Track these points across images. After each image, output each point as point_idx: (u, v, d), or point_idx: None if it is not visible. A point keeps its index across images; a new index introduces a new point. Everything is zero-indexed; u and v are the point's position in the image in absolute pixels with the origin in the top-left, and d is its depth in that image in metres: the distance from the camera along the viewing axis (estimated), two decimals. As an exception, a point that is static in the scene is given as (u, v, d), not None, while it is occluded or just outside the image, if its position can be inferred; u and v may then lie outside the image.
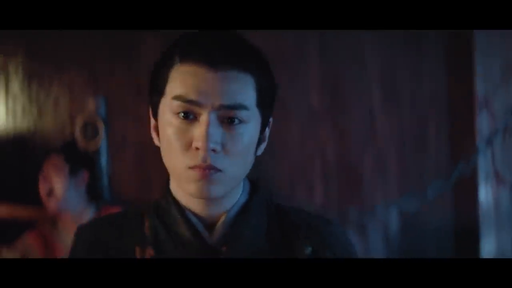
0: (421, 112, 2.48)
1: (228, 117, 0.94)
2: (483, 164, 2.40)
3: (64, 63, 2.73)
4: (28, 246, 2.23)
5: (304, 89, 2.52)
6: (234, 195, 1.02)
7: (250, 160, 1.00)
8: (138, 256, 1.00)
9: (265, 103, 0.99)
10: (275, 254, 1.00)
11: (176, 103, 0.94)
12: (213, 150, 0.93)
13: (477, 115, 2.39)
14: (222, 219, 1.00)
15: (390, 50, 2.49)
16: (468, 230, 2.39)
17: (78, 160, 2.29)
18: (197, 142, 0.93)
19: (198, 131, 0.93)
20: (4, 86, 2.81)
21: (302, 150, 2.51)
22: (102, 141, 2.61)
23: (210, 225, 1.00)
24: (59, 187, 2.21)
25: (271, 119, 1.04)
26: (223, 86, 0.93)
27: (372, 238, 2.42)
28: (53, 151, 2.29)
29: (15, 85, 2.80)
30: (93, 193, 2.30)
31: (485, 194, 2.40)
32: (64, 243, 2.14)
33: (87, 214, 2.22)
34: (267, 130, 1.04)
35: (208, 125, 0.93)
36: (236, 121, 0.95)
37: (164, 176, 1.05)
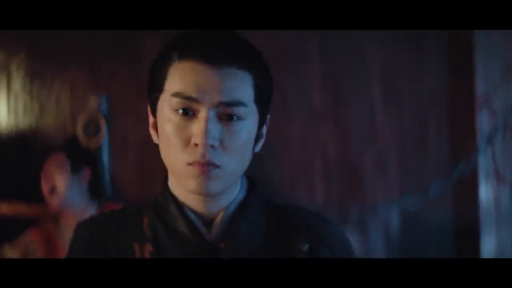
0: (421, 111, 2.49)
1: (226, 114, 0.95)
2: (484, 162, 2.40)
3: (65, 61, 2.74)
4: (30, 243, 2.23)
5: (305, 89, 2.53)
6: (232, 192, 1.02)
7: (248, 156, 1.00)
8: (137, 252, 1.00)
9: (263, 100, 1.00)
10: (272, 250, 1.01)
11: (175, 100, 0.95)
12: (212, 146, 0.94)
13: (478, 114, 2.40)
14: (220, 215, 1.01)
15: (390, 50, 2.49)
16: (468, 228, 2.40)
17: (80, 157, 2.31)
18: (196, 138, 0.94)
19: (197, 127, 0.94)
20: (6, 84, 2.82)
21: (303, 149, 2.51)
22: (104, 139, 2.61)
23: (208, 221, 1.01)
24: (61, 184, 2.22)
25: (268, 116, 1.05)
26: (221, 83, 0.94)
27: (373, 237, 2.43)
28: (55, 148, 2.30)
29: (17, 83, 2.81)
30: (95, 191, 2.31)
31: (485, 192, 2.41)
32: (66, 240, 2.13)
33: (89, 211, 2.23)
34: (265, 127, 1.05)
35: (207, 121, 0.93)
36: (235, 117, 0.95)
37: (165, 173, 1.06)
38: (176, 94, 0.95)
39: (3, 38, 2.80)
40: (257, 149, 1.04)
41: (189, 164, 0.95)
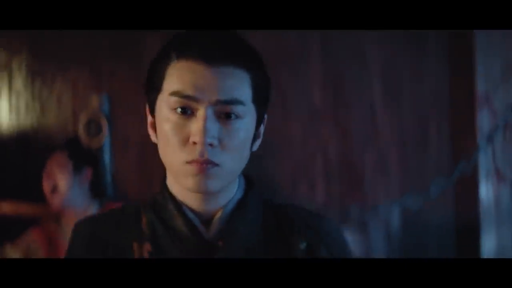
0: (422, 111, 2.49)
1: (224, 112, 0.96)
2: (484, 161, 2.40)
3: (67, 61, 2.75)
4: (32, 243, 2.24)
5: (306, 88, 2.53)
6: (230, 191, 1.03)
7: (246, 155, 1.01)
8: (135, 251, 1.01)
9: (260, 100, 1.01)
10: (270, 249, 1.02)
11: (174, 99, 0.96)
12: (210, 145, 0.94)
13: (478, 114, 2.40)
14: (219, 214, 1.02)
15: (391, 50, 2.49)
16: (469, 227, 2.40)
17: (82, 157, 2.31)
18: (195, 136, 0.94)
19: (195, 126, 0.95)
20: (8, 83, 2.83)
21: (304, 148, 2.52)
22: (105, 138, 2.62)
23: (206, 220, 1.02)
24: (62, 184, 2.22)
25: (265, 116, 1.05)
26: (219, 82, 0.95)
27: (374, 237, 2.43)
28: (56, 148, 2.31)
29: (19, 82, 2.81)
30: (97, 190, 2.31)
31: (485, 192, 2.41)
32: (68, 240, 2.15)
33: (91, 211, 2.23)
34: (262, 127, 1.05)
35: (206, 120, 0.94)
36: (233, 116, 0.96)
37: (163, 172, 1.06)
38: (174, 93, 0.96)
39: (5, 38, 2.80)
40: (255, 148, 1.04)
41: (188, 162, 0.95)
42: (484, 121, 2.41)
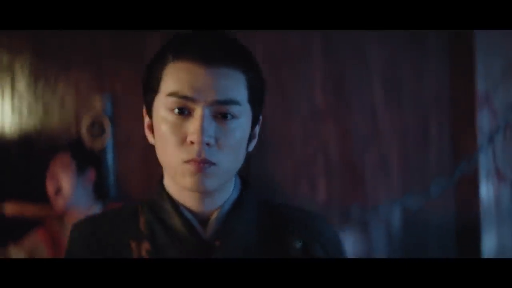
0: (423, 110, 2.50)
1: (221, 112, 0.97)
2: (484, 161, 2.41)
3: (69, 61, 2.75)
4: (36, 243, 2.24)
5: (307, 88, 2.54)
6: (227, 190, 1.05)
7: (242, 155, 1.03)
8: (134, 250, 1.02)
9: (256, 100, 1.03)
10: (267, 248, 1.03)
11: (171, 99, 0.97)
12: (207, 144, 0.96)
13: (478, 113, 2.41)
14: (215, 214, 1.03)
15: (392, 50, 2.50)
16: (469, 227, 2.41)
17: (85, 158, 2.32)
18: (192, 136, 0.96)
19: (192, 126, 0.96)
20: (10, 85, 2.83)
21: (305, 148, 2.52)
22: (108, 139, 2.63)
23: (203, 220, 1.03)
24: (66, 185, 2.23)
25: (260, 117, 1.07)
26: (216, 82, 0.96)
27: (374, 236, 2.44)
28: (59, 149, 2.31)
29: (21, 84, 2.82)
30: (100, 191, 2.32)
31: (486, 191, 2.41)
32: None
33: (94, 212, 2.24)
34: (257, 127, 1.07)
35: (203, 119, 0.96)
36: (229, 116, 0.98)
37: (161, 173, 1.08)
38: (171, 94, 0.97)
39: (7, 39, 2.81)
40: (250, 148, 1.06)
41: (185, 162, 0.97)
42: (484, 120, 2.42)
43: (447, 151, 2.48)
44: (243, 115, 1.00)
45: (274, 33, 2.40)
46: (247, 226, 1.04)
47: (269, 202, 1.11)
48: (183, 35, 1.02)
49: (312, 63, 2.54)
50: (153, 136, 1.04)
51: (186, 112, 0.97)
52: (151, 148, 1.06)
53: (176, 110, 0.97)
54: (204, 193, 1.01)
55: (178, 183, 1.00)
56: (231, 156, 0.99)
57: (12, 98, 2.82)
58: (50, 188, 2.25)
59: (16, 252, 2.23)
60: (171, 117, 0.98)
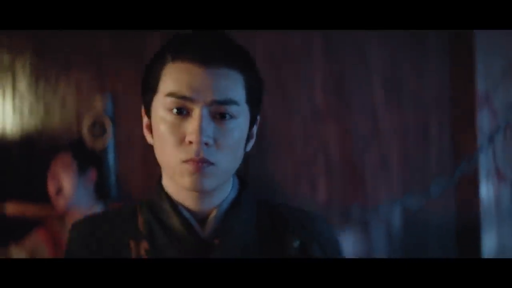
0: (423, 110, 2.50)
1: (219, 113, 0.98)
2: (485, 161, 2.41)
3: (70, 61, 2.76)
4: (37, 243, 2.24)
5: (308, 88, 2.54)
6: (225, 190, 1.05)
7: (240, 155, 1.03)
8: (132, 250, 1.03)
9: (253, 100, 1.03)
10: (265, 247, 1.04)
11: (170, 99, 0.98)
12: (206, 144, 0.97)
13: (478, 113, 2.41)
14: (213, 213, 1.04)
15: (392, 50, 2.50)
16: (469, 227, 2.41)
17: (86, 158, 2.32)
18: (191, 136, 0.96)
19: (191, 125, 0.97)
20: (11, 85, 2.84)
21: (306, 148, 2.53)
22: (109, 139, 2.63)
23: (201, 219, 1.04)
24: (67, 185, 2.23)
25: (258, 117, 1.08)
26: (214, 83, 0.97)
27: (375, 236, 2.44)
28: (61, 149, 2.32)
29: (22, 84, 2.82)
30: (101, 191, 2.32)
31: (486, 191, 2.41)
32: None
33: (95, 212, 2.24)
34: (255, 128, 1.08)
35: (201, 119, 0.96)
36: (227, 116, 0.98)
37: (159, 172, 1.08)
38: (170, 94, 0.98)
39: (8, 39, 2.81)
40: (248, 148, 1.07)
41: (184, 161, 0.97)
42: (484, 120, 2.42)
43: (447, 151, 2.48)
44: (241, 115, 1.00)
45: (275, 33, 2.40)
46: (245, 225, 1.05)
47: (268, 202, 1.11)
48: (182, 36, 1.02)
49: (312, 63, 2.54)
50: (152, 136, 1.05)
51: (184, 112, 0.98)
52: (152, 148, 1.06)
53: (175, 110, 0.98)
54: (202, 192, 1.02)
55: (177, 183, 1.01)
56: (230, 156, 1.00)
57: (13, 98, 2.83)
58: (51, 188, 2.26)
59: (17, 252, 2.23)
60: (170, 117, 0.98)
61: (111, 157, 2.63)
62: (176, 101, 0.98)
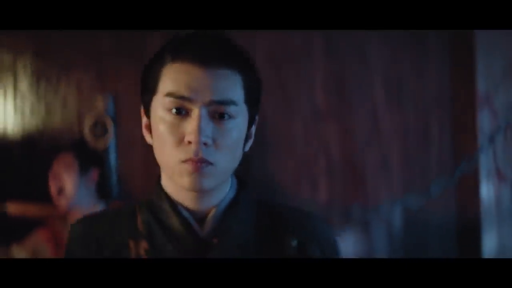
0: (423, 110, 2.50)
1: (218, 113, 0.99)
2: (485, 161, 2.41)
3: (72, 61, 2.76)
4: (38, 243, 2.25)
5: (308, 88, 2.54)
6: (223, 190, 1.06)
7: (238, 154, 1.04)
8: (132, 249, 1.03)
9: (252, 101, 1.04)
10: (264, 247, 1.04)
11: (169, 99, 0.99)
12: (205, 144, 0.97)
13: (479, 113, 2.41)
14: (212, 213, 1.04)
15: (393, 50, 2.51)
16: (470, 227, 2.41)
17: (88, 158, 2.32)
18: (190, 136, 0.97)
19: (190, 125, 0.97)
20: (13, 85, 2.84)
21: (306, 148, 2.53)
22: (111, 139, 2.63)
23: (200, 218, 1.04)
24: (69, 185, 2.23)
25: (257, 117, 1.08)
26: (213, 83, 0.98)
27: (375, 236, 2.44)
28: (62, 149, 2.32)
29: (24, 84, 2.82)
30: (103, 191, 2.32)
31: (486, 191, 2.42)
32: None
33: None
34: (253, 128, 1.08)
35: (200, 119, 0.97)
36: (226, 116, 0.99)
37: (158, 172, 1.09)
38: (169, 94, 0.98)
39: (10, 39, 2.81)
40: (247, 148, 1.07)
41: (183, 161, 0.98)
42: (484, 120, 2.42)
43: (447, 151, 2.49)
44: (239, 115, 1.01)
45: (275, 33, 2.40)
46: (244, 225, 1.05)
47: (267, 201, 1.12)
48: (182, 36, 1.03)
49: (312, 63, 2.54)
50: (151, 136, 1.05)
51: (183, 112, 0.98)
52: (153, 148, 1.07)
53: (174, 110, 0.99)
54: (201, 192, 1.02)
55: (176, 182, 1.01)
56: (228, 156, 1.00)
57: (15, 98, 2.83)
58: (53, 188, 2.26)
59: (18, 252, 2.24)
60: (169, 117, 0.99)
61: (112, 157, 2.64)
62: (175, 101, 0.98)
